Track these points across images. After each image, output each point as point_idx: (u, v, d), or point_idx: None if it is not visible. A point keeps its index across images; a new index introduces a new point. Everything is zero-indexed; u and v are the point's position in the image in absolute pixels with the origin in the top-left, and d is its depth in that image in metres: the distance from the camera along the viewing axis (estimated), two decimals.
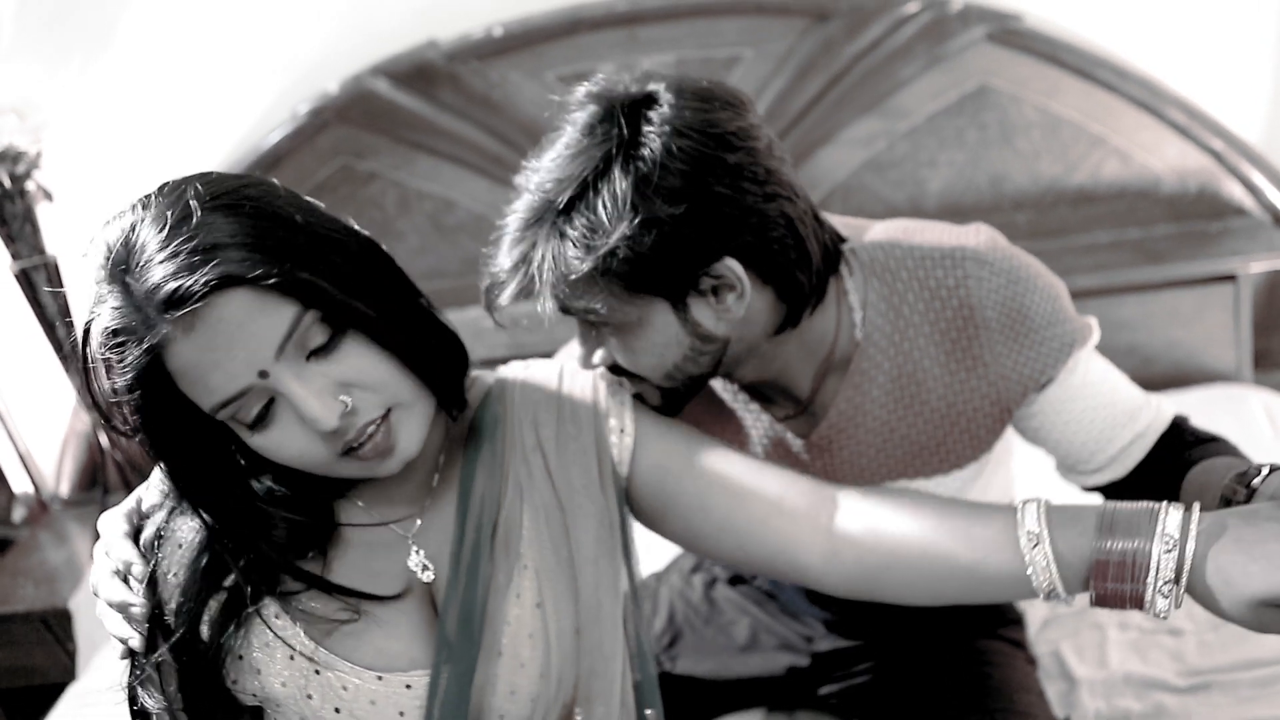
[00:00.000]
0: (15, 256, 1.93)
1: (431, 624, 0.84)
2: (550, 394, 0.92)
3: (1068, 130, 1.95)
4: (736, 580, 1.35)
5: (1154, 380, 1.91)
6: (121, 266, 0.72)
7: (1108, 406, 1.01)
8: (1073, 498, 0.91)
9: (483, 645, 0.82)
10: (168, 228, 0.71)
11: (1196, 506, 0.73)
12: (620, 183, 0.83)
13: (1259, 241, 1.91)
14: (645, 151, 0.83)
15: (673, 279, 0.86)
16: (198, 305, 0.69)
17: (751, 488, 0.87)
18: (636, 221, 0.82)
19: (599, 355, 0.93)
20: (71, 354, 2.02)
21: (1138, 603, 0.71)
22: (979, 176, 1.99)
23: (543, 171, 0.87)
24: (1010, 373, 0.99)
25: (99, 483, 2.19)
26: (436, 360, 0.81)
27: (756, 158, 0.86)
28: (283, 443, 0.75)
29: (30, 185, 1.91)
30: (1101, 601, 0.73)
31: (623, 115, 0.85)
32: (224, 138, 2.08)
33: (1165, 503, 0.73)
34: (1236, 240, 1.92)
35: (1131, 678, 1.33)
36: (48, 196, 1.95)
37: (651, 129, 0.84)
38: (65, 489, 2.34)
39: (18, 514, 2.29)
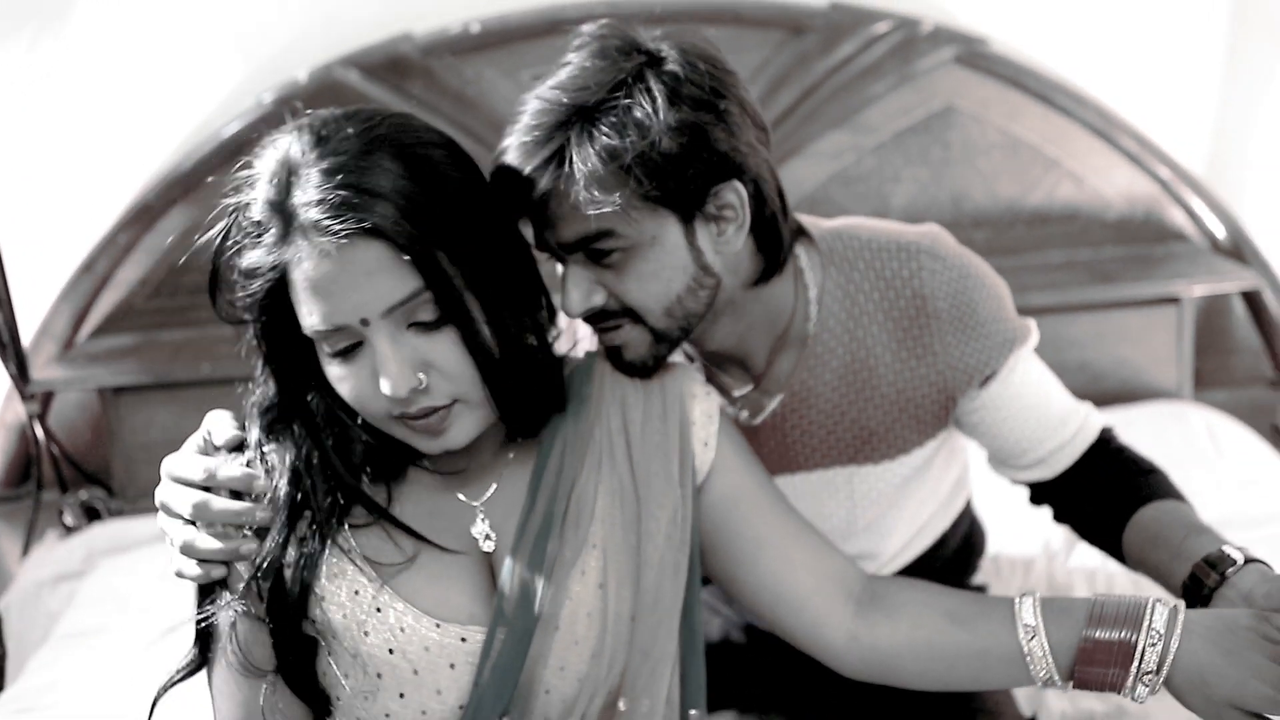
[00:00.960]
0: None
1: (489, 589, 0.85)
2: (639, 384, 0.94)
3: (1026, 152, 2.02)
4: (705, 580, 1.35)
5: (1102, 395, 1.98)
6: (289, 167, 0.77)
7: (1041, 408, 1.06)
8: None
9: (541, 616, 0.83)
10: (340, 153, 0.75)
11: (1182, 605, 0.80)
12: (654, 85, 0.87)
13: (1199, 266, 2.01)
14: (670, 66, 0.89)
15: (688, 192, 0.90)
16: (339, 242, 0.73)
17: (800, 560, 0.91)
18: (673, 120, 0.86)
19: (598, 295, 0.93)
20: (10, 343, 1.92)
21: (1117, 688, 0.79)
22: (941, 194, 2.05)
23: (560, 84, 0.90)
24: (957, 363, 1.03)
25: (32, 478, 2.09)
26: (514, 389, 0.83)
27: (751, 108, 0.94)
28: (351, 381, 0.78)
29: None
30: (1083, 684, 0.80)
31: (640, 43, 0.92)
32: (181, 124, 2.01)
33: (1152, 599, 0.80)
34: (1179, 264, 2.02)
35: None
36: None
37: (671, 53, 0.91)
38: None
39: None
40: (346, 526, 0.82)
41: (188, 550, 0.80)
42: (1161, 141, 2.01)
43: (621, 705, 0.85)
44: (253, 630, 0.81)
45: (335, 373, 0.79)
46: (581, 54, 0.92)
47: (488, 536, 0.86)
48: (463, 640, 0.83)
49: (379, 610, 0.81)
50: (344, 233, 0.73)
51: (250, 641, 0.81)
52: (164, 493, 0.83)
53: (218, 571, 0.80)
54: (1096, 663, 0.79)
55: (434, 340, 0.78)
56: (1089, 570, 1.57)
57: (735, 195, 0.92)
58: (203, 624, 0.82)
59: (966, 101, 1.99)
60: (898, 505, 1.13)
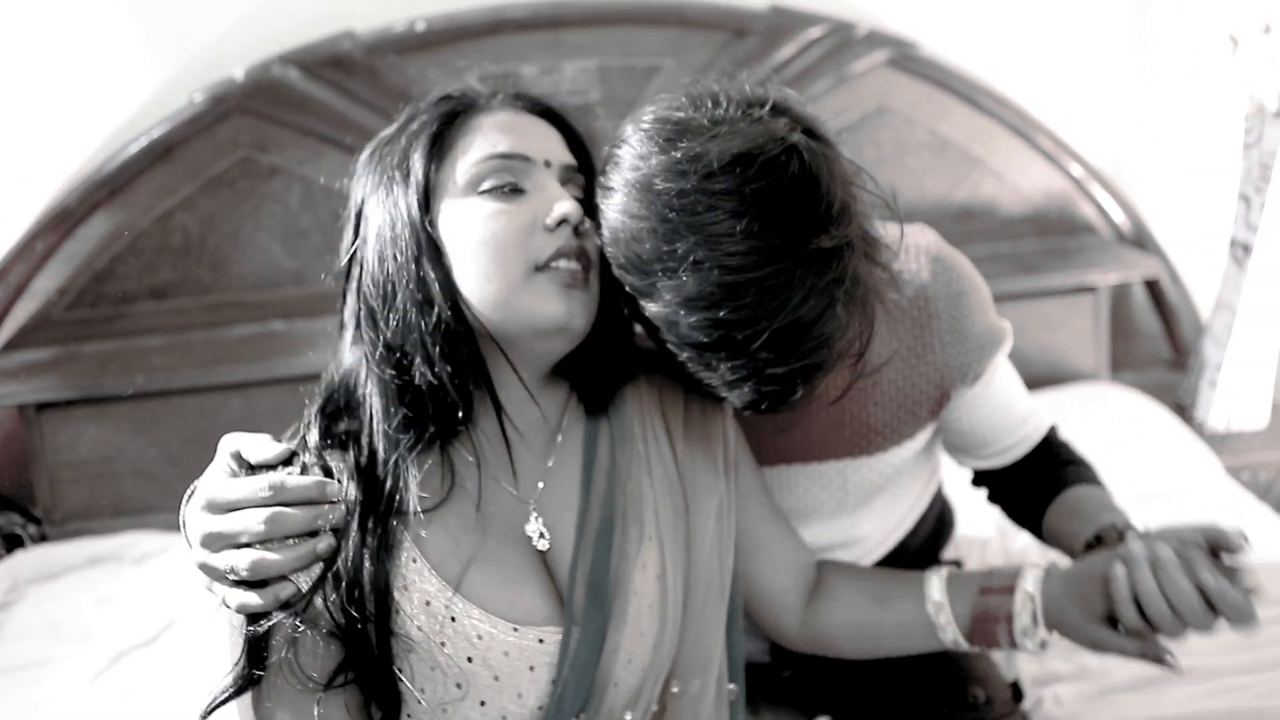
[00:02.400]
0: None
1: (550, 586, 0.85)
2: (673, 381, 0.95)
3: (953, 151, 2.13)
4: None
5: (1030, 380, 2.07)
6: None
7: (1009, 406, 1.12)
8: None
9: (612, 614, 0.83)
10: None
11: (1045, 568, 0.93)
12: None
13: (1108, 256, 2.15)
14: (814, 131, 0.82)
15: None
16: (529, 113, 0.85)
17: (783, 562, 1.00)
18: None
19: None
20: None
21: (1006, 644, 0.92)
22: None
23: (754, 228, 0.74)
24: (953, 361, 1.07)
25: None
26: (600, 346, 0.88)
27: None
28: (506, 218, 0.81)
29: None
30: (981, 643, 0.94)
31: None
32: (104, 123, 1.90)
33: (1028, 564, 0.93)
34: (1090, 255, 2.16)
35: (1059, 642, 1.46)
36: None
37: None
38: None
39: None
40: (409, 529, 0.80)
41: (260, 569, 0.74)
42: (1074, 141, 2.15)
43: (674, 688, 0.87)
44: (314, 644, 0.77)
45: (491, 208, 0.81)
46: (713, 136, 0.76)
47: (542, 535, 0.85)
48: (540, 641, 0.82)
49: (453, 619, 0.79)
50: (537, 108, 0.86)
51: (310, 656, 0.77)
52: (213, 524, 0.76)
53: (287, 591, 0.76)
54: (988, 625, 0.93)
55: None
56: (1038, 543, 1.67)
57: None
58: (255, 641, 0.77)
59: (897, 102, 2.08)
60: (885, 492, 1.17)
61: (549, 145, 0.85)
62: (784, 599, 0.99)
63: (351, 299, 0.83)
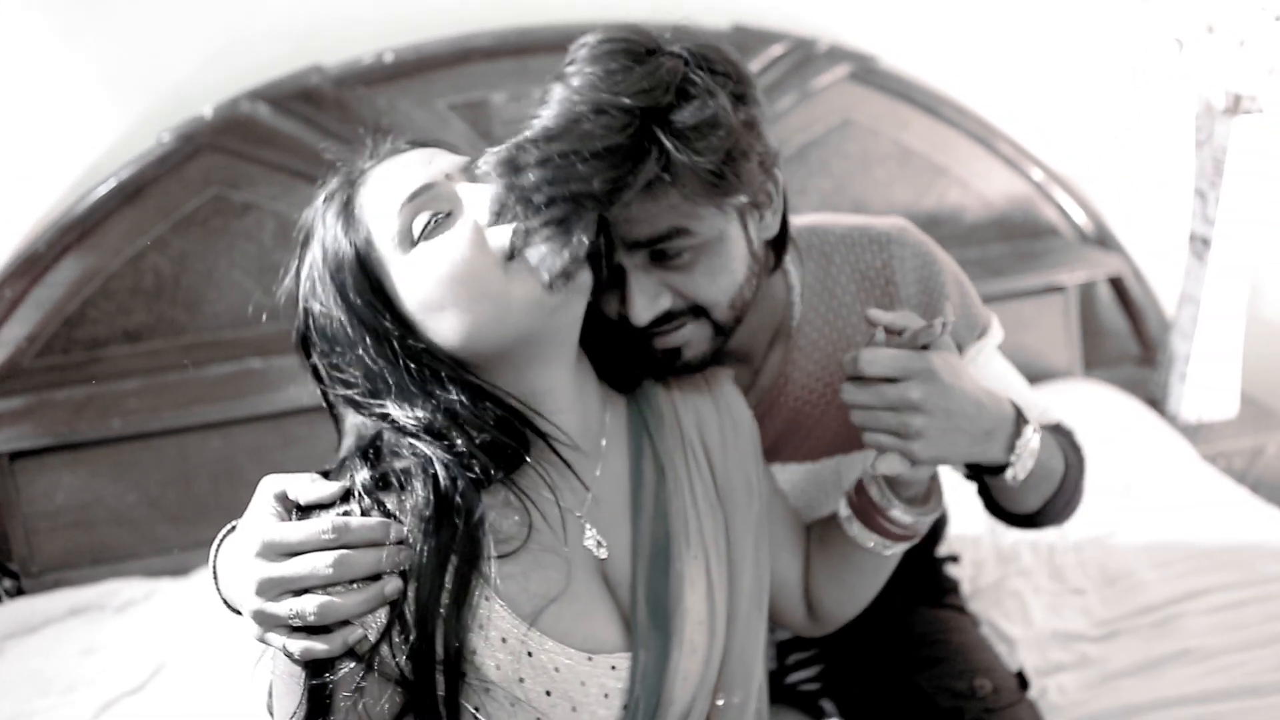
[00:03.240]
0: None
1: (612, 604, 0.84)
2: (706, 394, 0.96)
3: (917, 161, 2.17)
4: None
5: None
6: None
7: (1008, 390, 1.10)
8: None
9: (673, 634, 0.83)
10: None
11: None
12: (714, 86, 0.85)
13: (1072, 256, 2.20)
14: (719, 69, 0.87)
15: (751, 183, 0.89)
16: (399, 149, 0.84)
17: (793, 556, 1.01)
18: (742, 118, 0.86)
19: (664, 298, 0.91)
20: None
21: (886, 520, 0.95)
22: (844, 203, 2.16)
23: (609, 88, 0.82)
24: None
25: None
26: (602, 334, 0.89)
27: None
28: (460, 245, 0.78)
29: None
30: (876, 531, 0.96)
31: (662, 45, 0.88)
32: (71, 165, 1.88)
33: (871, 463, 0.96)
34: (1056, 256, 2.21)
35: (1056, 633, 1.47)
36: None
37: (700, 54, 0.88)
38: None
39: None
40: (483, 563, 0.78)
41: (328, 613, 0.72)
42: (1033, 147, 2.20)
43: (719, 700, 0.88)
44: (379, 690, 0.74)
45: (438, 248, 0.79)
46: (605, 60, 0.86)
47: (599, 544, 0.85)
48: (613, 668, 0.81)
49: (530, 654, 0.78)
50: (404, 149, 0.87)
51: (373, 701, 0.74)
52: (270, 570, 0.74)
53: (355, 636, 0.73)
54: (865, 511, 0.95)
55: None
56: (1030, 539, 1.69)
57: (774, 183, 0.96)
58: (317, 689, 0.73)
59: (861, 115, 2.12)
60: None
61: (438, 162, 0.83)
62: (796, 591, 1.01)
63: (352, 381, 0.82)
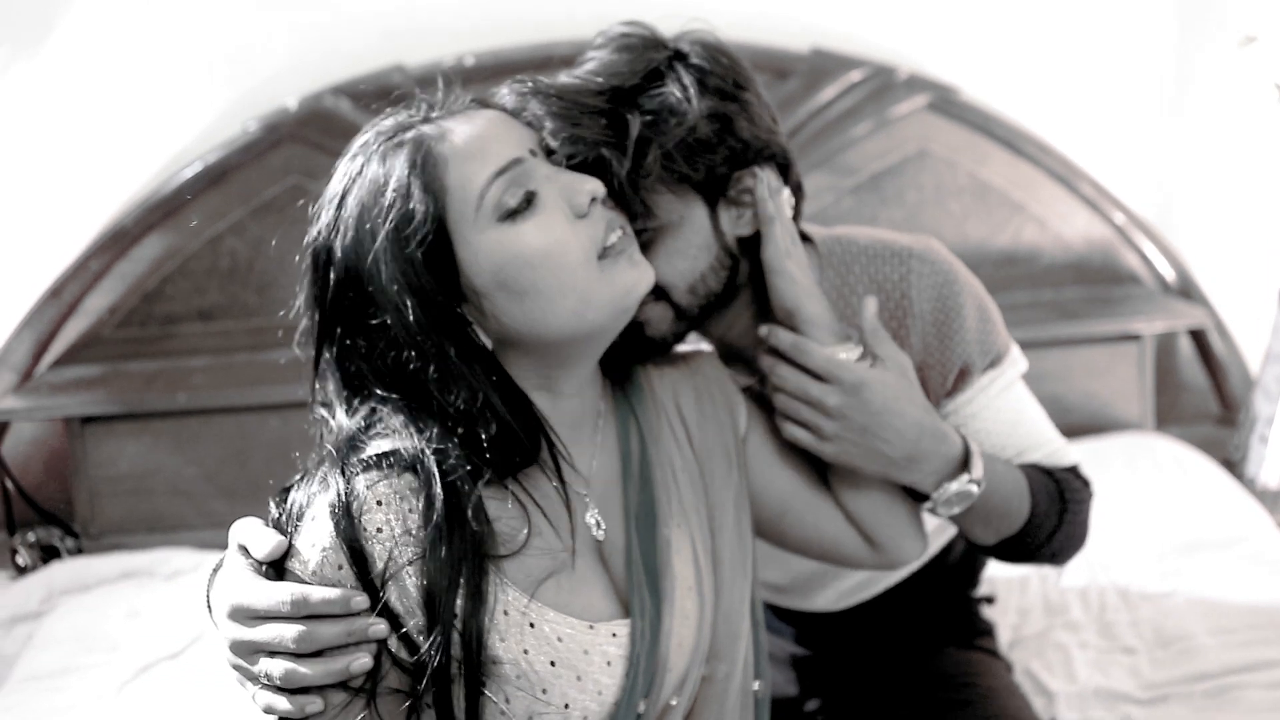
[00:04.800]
0: None
1: (609, 579, 0.85)
2: (684, 371, 0.98)
3: (994, 197, 2.12)
4: None
5: (1073, 428, 2.05)
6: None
7: (1009, 433, 1.08)
8: None
9: (664, 598, 0.83)
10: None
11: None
12: (684, 76, 0.93)
13: (1154, 306, 2.12)
14: (695, 60, 0.95)
15: (716, 177, 0.94)
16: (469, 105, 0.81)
17: (827, 513, 0.99)
18: (704, 109, 0.91)
19: None
20: None
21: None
22: (915, 234, 2.12)
23: (592, 71, 0.92)
24: (934, 363, 1.06)
25: None
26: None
27: (765, 97, 1.00)
28: (548, 226, 0.77)
29: None
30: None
31: (663, 39, 0.96)
32: (162, 149, 1.97)
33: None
34: (1135, 304, 2.13)
35: (1100, 691, 1.41)
36: None
37: (694, 48, 0.96)
38: None
39: None
40: (492, 558, 0.77)
41: (292, 680, 0.72)
42: (1117, 189, 2.14)
43: (705, 671, 0.88)
44: (391, 703, 0.75)
45: (528, 230, 0.77)
46: (606, 49, 0.95)
47: (599, 525, 0.86)
48: (614, 635, 0.81)
49: (532, 625, 0.78)
50: (474, 106, 0.84)
51: (386, 713, 0.75)
52: (240, 633, 0.74)
53: (314, 707, 0.73)
54: None
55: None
56: (1080, 589, 1.62)
57: (753, 180, 0.96)
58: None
59: (939, 146, 2.08)
60: None
61: (514, 133, 0.80)
62: (845, 527, 0.99)
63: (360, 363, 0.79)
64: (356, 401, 0.79)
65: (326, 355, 0.81)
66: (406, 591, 0.73)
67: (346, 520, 0.73)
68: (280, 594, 0.72)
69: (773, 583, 1.22)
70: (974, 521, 1.02)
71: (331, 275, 0.78)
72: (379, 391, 0.78)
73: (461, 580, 0.73)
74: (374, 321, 0.77)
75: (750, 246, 0.99)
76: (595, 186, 0.80)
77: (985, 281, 2.08)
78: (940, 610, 1.30)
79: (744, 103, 0.95)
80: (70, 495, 1.95)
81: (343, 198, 0.78)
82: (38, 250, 1.96)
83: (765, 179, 0.96)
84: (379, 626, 0.72)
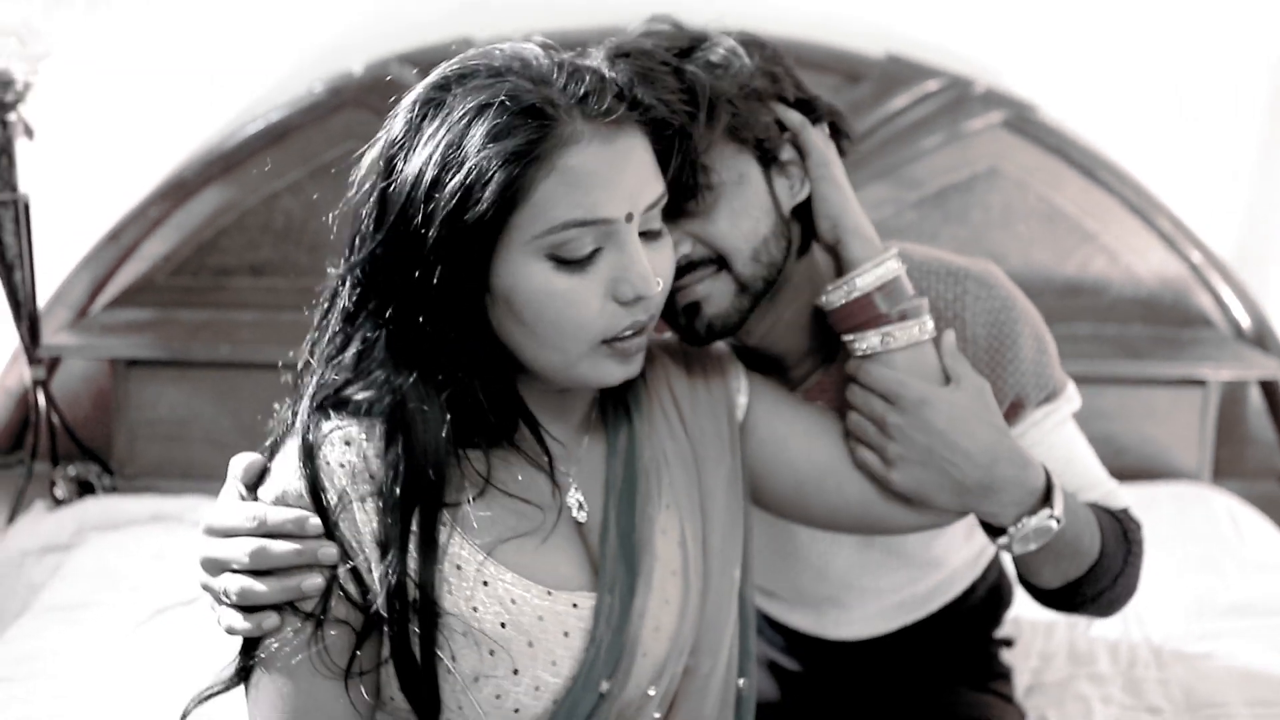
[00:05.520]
0: None
1: (586, 557, 0.83)
2: (679, 355, 0.96)
3: (1064, 223, 2.04)
4: None
5: (1125, 470, 1.97)
6: (541, 58, 0.79)
7: (1062, 472, 1.02)
8: None
9: (639, 574, 0.82)
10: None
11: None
12: (726, 41, 0.93)
13: (1224, 352, 2.02)
14: (733, 37, 0.94)
15: (770, 136, 0.93)
16: (614, 127, 0.75)
17: (847, 475, 0.93)
18: (756, 63, 0.91)
19: (685, 244, 0.91)
20: (24, 303, 1.88)
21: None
22: (977, 254, 2.01)
23: (633, 39, 0.91)
24: None
25: (25, 446, 2.03)
26: None
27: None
28: (577, 295, 0.76)
29: (13, 117, 1.80)
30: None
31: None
32: (227, 104, 2.00)
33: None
34: (1204, 348, 2.03)
35: None
36: (29, 133, 1.83)
37: (725, 36, 0.95)
38: None
39: None
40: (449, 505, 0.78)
41: (246, 598, 0.75)
42: (1195, 225, 2.04)
43: (689, 663, 0.86)
44: (339, 637, 0.76)
45: (561, 286, 0.75)
46: (637, 34, 0.94)
47: (580, 506, 0.85)
48: (574, 606, 0.80)
49: (486, 584, 0.77)
50: (624, 116, 0.75)
51: (334, 648, 0.76)
52: (208, 549, 0.78)
53: (271, 622, 0.75)
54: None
55: (654, 249, 0.80)
56: (1111, 642, 1.55)
57: (798, 130, 0.95)
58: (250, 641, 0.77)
59: (1011, 166, 2.01)
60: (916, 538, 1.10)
61: (633, 183, 0.76)
62: (877, 499, 0.93)
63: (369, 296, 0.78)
64: (353, 343, 0.78)
65: (344, 289, 0.79)
66: (357, 528, 0.75)
67: (313, 454, 0.76)
68: (243, 512, 0.76)
69: (781, 598, 1.19)
70: (1044, 561, 0.95)
71: (392, 189, 0.75)
72: (377, 338, 0.77)
73: (414, 525, 0.75)
74: (400, 260, 0.75)
75: (795, 223, 0.98)
76: (648, 290, 0.77)
77: (1047, 311, 2.01)
78: (956, 648, 1.25)
79: (787, 68, 0.96)
80: (111, 434, 1.99)
81: (445, 125, 0.74)
82: (102, 194, 2.00)
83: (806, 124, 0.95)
84: (329, 549, 0.75)
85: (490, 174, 0.71)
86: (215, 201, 1.99)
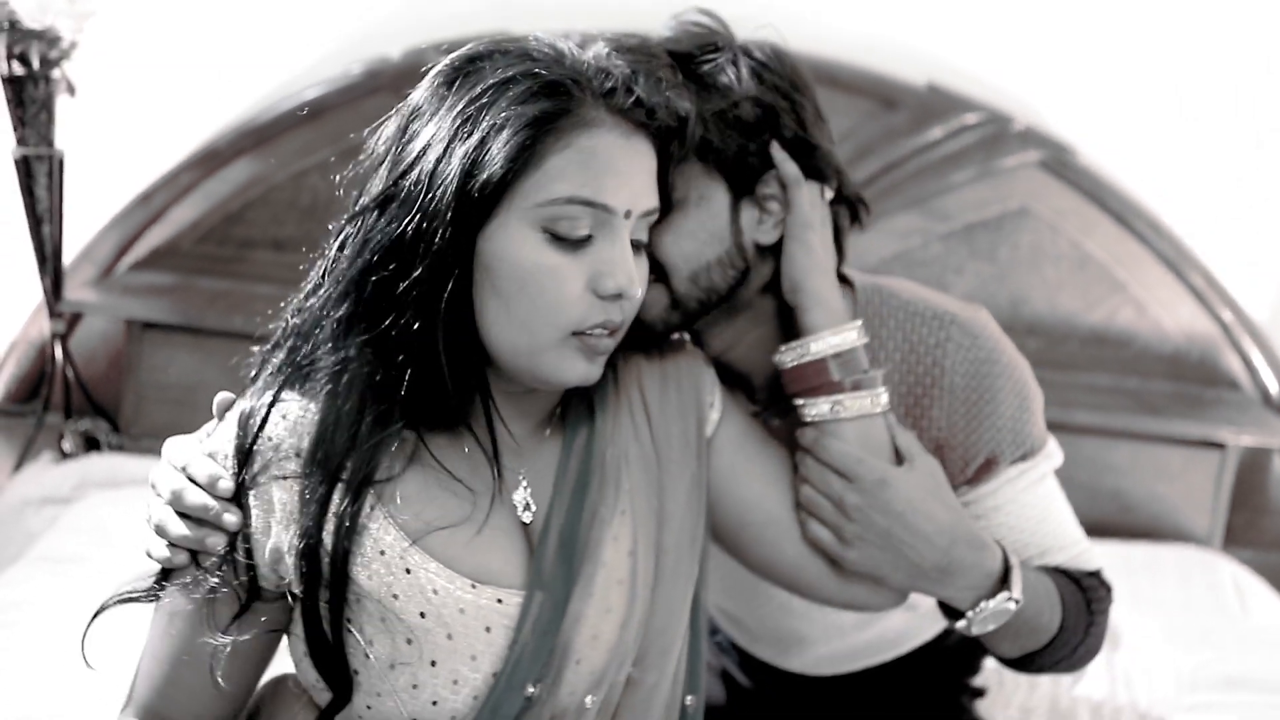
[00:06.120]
0: (20, 142, 1.83)
1: (525, 556, 0.82)
2: (654, 358, 0.94)
3: (1094, 269, 2.00)
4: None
5: (1131, 528, 1.93)
6: (584, 45, 0.82)
7: (1031, 531, 1.00)
8: None
9: (578, 579, 0.80)
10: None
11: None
12: (740, 60, 0.90)
13: (1249, 416, 1.97)
14: (756, 53, 0.92)
15: (746, 166, 0.91)
16: (633, 129, 0.77)
17: (790, 531, 0.92)
18: (753, 90, 0.89)
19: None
20: (50, 258, 1.91)
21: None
22: (1001, 293, 2.02)
23: (646, 39, 0.90)
24: (957, 444, 0.98)
25: (39, 397, 2.06)
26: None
27: (824, 113, 0.96)
28: (565, 274, 0.76)
29: (57, 74, 1.83)
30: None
31: (726, 33, 0.94)
32: (265, 79, 2.02)
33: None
34: (1227, 411, 1.97)
35: None
36: (70, 90, 1.86)
37: (759, 46, 0.93)
38: None
39: None
40: (373, 485, 0.78)
41: (159, 530, 0.79)
42: (1230, 283, 1.98)
43: (634, 673, 0.84)
44: (226, 602, 0.78)
45: (548, 262, 0.75)
46: (674, 28, 0.94)
47: (527, 506, 0.83)
48: (499, 602, 0.79)
49: (408, 571, 0.77)
50: (644, 122, 0.77)
51: (221, 612, 0.78)
52: (156, 472, 0.82)
53: (180, 558, 0.78)
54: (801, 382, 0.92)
55: (635, 261, 0.81)
56: (1095, 702, 1.51)
57: (785, 180, 0.92)
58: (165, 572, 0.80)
59: (1043, 207, 1.97)
60: None
61: (638, 184, 0.78)
62: (811, 565, 0.92)
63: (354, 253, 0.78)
64: (325, 316, 0.78)
65: (333, 247, 0.80)
66: (270, 505, 0.77)
67: (246, 424, 0.78)
68: (180, 454, 0.80)
69: (745, 626, 1.17)
70: (1001, 638, 0.94)
71: (404, 153, 0.77)
72: (354, 315, 0.77)
73: (335, 498, 0.75)
74: (395, 217, 0.75)
75: (769, 259, 0.95)
76: (628, 288, 0.77)
77: (1068, 358, 2.01)
78: (925, 695, 1.22)
79: (796, 104, 0.92)
80: (120, 393, 2.02)
81: (468, 97, 0.76)
82: (136, 156, 2.03)
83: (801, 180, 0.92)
84: (231, 517, 0.76)
85: (507, 135, 0.73)
86: (245, 174, 2.01)
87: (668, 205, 0.87)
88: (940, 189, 1.97)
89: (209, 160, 2.00)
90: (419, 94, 0.80)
